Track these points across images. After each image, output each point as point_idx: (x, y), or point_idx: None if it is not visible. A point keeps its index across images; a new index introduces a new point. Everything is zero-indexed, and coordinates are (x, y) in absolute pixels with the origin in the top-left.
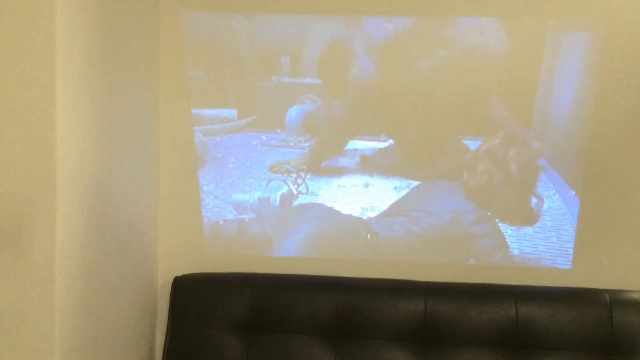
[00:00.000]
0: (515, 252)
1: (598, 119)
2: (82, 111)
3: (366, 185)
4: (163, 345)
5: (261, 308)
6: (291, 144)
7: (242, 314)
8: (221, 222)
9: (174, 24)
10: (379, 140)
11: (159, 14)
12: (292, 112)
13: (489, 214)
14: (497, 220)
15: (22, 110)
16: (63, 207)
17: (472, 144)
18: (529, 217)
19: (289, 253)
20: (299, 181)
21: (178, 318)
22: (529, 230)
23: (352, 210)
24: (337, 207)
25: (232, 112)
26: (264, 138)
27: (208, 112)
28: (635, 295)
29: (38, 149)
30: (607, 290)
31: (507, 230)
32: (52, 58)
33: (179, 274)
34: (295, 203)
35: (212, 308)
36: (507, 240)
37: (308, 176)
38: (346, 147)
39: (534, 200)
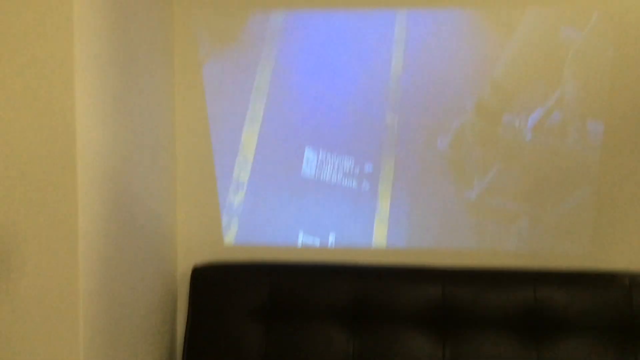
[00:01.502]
0: (530, 227)
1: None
2: (101, 104)
3: None
4: (184, 332)
5: (279, 295)
6: None
7: (261, 302)
8: (238, 207)
9: (187, 13)
10: None
11: (172, 6)
12: None
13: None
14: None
15: (42, 106)
16: (84, 198)
17: None
18: None
19: (308, 234)
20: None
21: (198, 306)
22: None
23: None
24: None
25: None
26: None
27: None
28: None
29: (58, 142)
30: (626, 272)
31: (522, 205)
32: (70, 54)
33: (198, 262)
34: (311, 181)
35: (231, 296)
36: (521, 215)
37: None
38: None
39: None
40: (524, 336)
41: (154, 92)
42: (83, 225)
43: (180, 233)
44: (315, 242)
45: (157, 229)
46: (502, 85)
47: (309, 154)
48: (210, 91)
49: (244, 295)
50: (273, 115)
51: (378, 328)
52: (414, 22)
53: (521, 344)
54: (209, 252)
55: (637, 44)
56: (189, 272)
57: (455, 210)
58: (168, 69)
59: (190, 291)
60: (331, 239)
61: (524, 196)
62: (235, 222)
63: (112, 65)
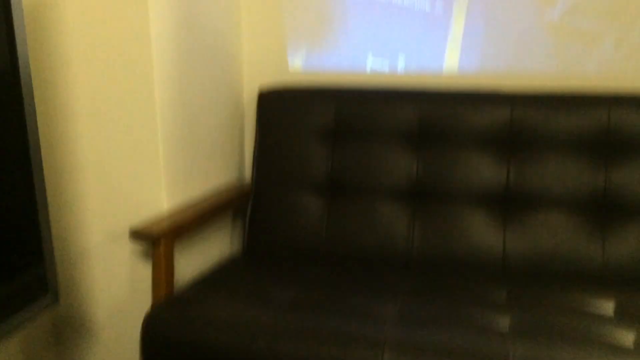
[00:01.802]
0: (613, 49)
1: None
2: None
3: None
4: (252, 150)
5: (345, 119)
6: None
7: (327, 125)
8: (304, 30)
9: None
10: None
11: None
12: None
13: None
14: None
15: None
16: (155, 21)
17: None
18: None
19: (377, 58)
20: None
21: (265, 127)
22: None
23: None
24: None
25: None
26: None
27: None
28: None
29: None
30: None
31: (606, 25)
32: None
33: (264, 86)
34: (381, 1)
35: (297, 119)
36: (605, 36)
37: None
38: None
39: None
40: (593, 158)
41: None
42: (156, 45)
43: (246, 56)
44: (385, 67)
45: (223, 48)
46: None
47: None
48: None
49: (310, 118)
50: None
51: (443, 149)
52: None
53: (589, 165)
54: (275, 76)
55: None
56: (256, 95)
57: (534, 32)
58: None
59: (257, 113)
60: (401, 64)
61: (610, 16)
62: (301, 46)
63: None
